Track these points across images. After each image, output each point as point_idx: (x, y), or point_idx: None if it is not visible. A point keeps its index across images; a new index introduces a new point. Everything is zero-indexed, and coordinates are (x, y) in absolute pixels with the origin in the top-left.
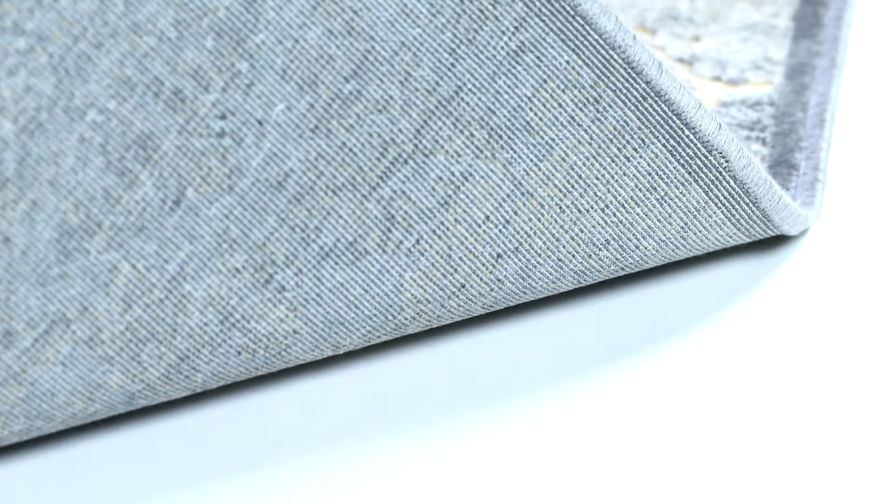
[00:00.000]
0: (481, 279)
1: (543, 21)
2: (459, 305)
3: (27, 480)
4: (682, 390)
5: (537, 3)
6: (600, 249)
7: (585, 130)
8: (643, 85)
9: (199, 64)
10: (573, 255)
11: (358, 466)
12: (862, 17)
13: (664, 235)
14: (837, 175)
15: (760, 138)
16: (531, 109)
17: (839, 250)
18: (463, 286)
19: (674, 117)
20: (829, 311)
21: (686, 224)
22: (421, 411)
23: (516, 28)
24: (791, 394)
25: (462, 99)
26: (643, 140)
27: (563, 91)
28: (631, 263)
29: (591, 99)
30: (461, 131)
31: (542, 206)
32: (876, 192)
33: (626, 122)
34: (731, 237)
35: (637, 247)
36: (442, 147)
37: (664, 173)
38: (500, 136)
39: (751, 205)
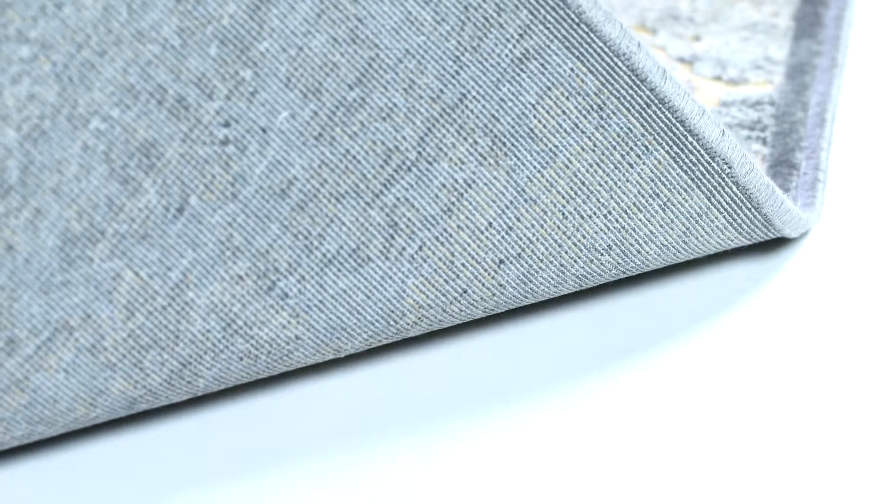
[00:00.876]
0: (483, 284)
1: (548, 28)
2: (461, 310)
3: (27, 483)
4: (684, 392)
5: (542, 11)
6: (602, 254)
7: (589, 137)
8: (647, 92)
9: (203, 72)
10: (575, 261)
11: (359, 469)
12: (862, 16)
13: (666, 240)
14: (838, 175)
15: (761, 138)
16: (535, 117)
17: (840, 250)
18: (465, 291)
19: (677, 124)
20: (830, 312)
21: (688, 229)
22: (421, 413)
23: (521, 35)
24: (793, 394)
25: (466, 106)
26: (646, 147)
27: (567, 98)
28: (632, 267)
29: (594, 106)
30: (465, 139)
31: (545, 213)
32: (877, 191)
33: (629, 128)
34: (732, 241)
35: (639, 251)
36: (445, 154)
37: (667, 179)
38: (504, 144)
39: (753, 210)
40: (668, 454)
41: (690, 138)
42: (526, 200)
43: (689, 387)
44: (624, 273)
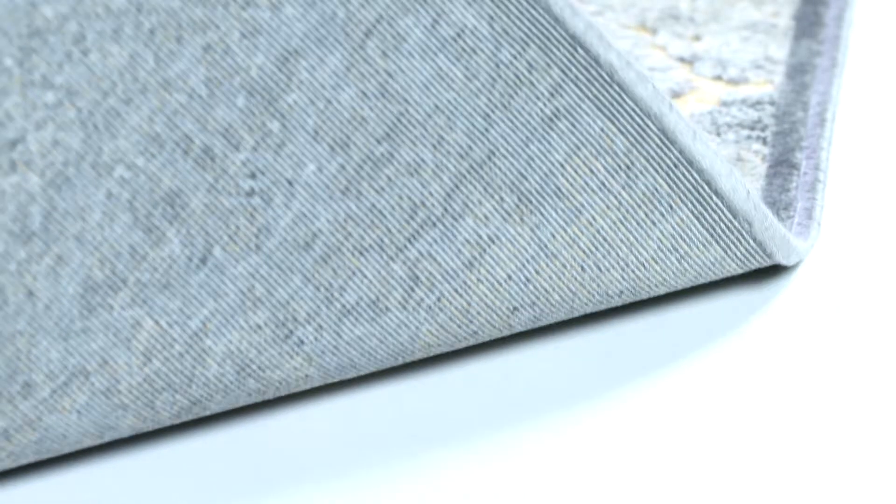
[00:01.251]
0: (494, 327)
1: (579, 88)
2: (467, 345)
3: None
4: (681, 416)
5: (573, 70)
6: (613, 298)
7: (615, 196)
8: (676, 153)
9: (230, 122)
10: (586, 304)
11: (364, 491)
12: (863, 16)
13: (677, 284)
14: (838, 174)
15: (761, 138)
16: (563, 175)
17: (842, 249)
18: (475, 333)
19: (704, 184)
20: (833, 317)
21: (700, 275)
22: (420, 436)
23: (552, 94)
24: (800, 413)
25: (494, 164)
26: (671, 206)
27: (596, 158)
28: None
29: (623, 166)
30: (492, 196)
31: (564, 266)
32: (877, 191)
33: (656, 188)
34: (735, 274)
35: (648, 294)
36: (471, 211)
37: (687, 236)
38: (530, 201)
39: (765, 258)
40: (662, 481)
41: (716, 198)
42: (547, 255)
43: (689, 410)
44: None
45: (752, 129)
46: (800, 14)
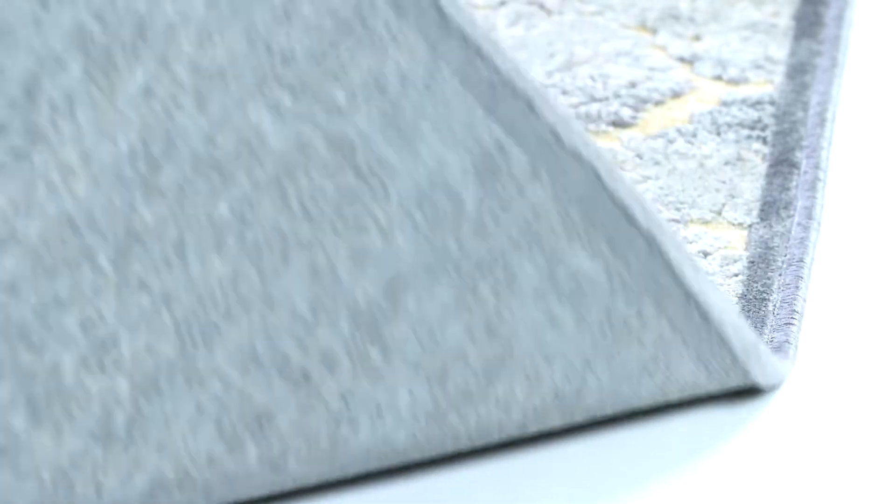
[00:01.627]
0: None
1: (685, 341)
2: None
3: None
4: None
5: (682, 324)
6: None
7: (665, 398)
8: (745, 383)
9: (331, 346)
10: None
11: None
12: (863, 16)
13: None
14: (838, 174)
15: (761, 137)
16: (639, 405)
17: (842, 246)
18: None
19: (750, 388)
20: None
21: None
22: None
23: (656, 345)
24: None
25: (581, 401)
26: (709, 394)
27: (677, 391)
28: None
29: (690, 386)
30: (566, 422)
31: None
32: (878, 190)
33: (708, 393)
34: None
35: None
36: (542, 431)
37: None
38: (598, 419)
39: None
40: None
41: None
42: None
43: None
44: None
45: (753, 128)
46: (800, 14)
